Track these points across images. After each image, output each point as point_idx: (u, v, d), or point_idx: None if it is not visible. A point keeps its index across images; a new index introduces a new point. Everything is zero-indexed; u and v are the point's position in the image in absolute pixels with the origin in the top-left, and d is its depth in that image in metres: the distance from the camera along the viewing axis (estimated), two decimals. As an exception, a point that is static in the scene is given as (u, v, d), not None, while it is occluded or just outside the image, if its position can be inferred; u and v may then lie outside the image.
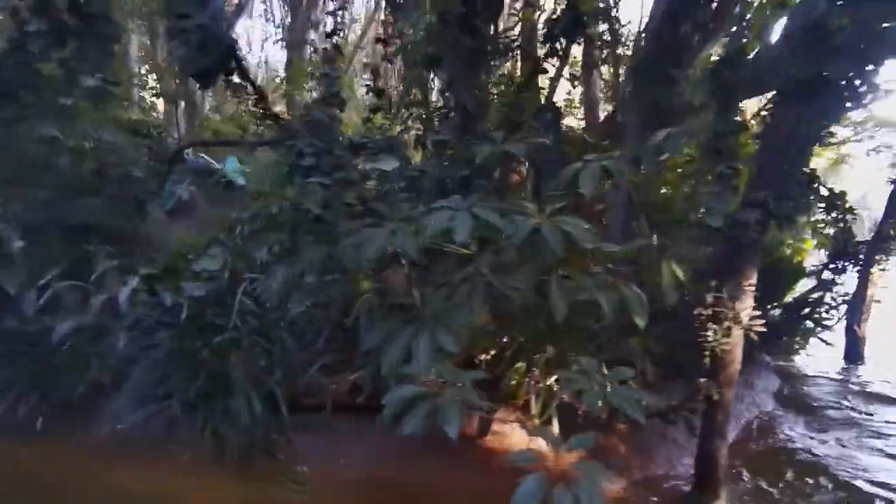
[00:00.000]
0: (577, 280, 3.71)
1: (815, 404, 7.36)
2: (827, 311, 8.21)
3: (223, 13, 3.61)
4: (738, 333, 4.36)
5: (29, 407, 5.41)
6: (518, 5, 10.13)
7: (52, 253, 5.71)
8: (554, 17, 6.63)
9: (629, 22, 8.67)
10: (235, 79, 4.09)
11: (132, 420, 5.10)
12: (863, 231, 11.17)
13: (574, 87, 10.16)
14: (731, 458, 4.88)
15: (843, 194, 7.66)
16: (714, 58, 8.40)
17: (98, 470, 4.96)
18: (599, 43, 8.19)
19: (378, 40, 6.60)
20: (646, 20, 8.34)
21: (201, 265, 5.59)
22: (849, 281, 8.73)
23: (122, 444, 5.11)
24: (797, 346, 9.09)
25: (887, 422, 6.76)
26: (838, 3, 3.89)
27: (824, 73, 3.99)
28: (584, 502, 2.46)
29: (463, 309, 3.90)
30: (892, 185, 8.75)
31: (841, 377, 8.73)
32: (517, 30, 10.02)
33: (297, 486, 4.74)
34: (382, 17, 18.70)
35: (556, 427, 3.81)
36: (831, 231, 8.59)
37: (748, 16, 5.17)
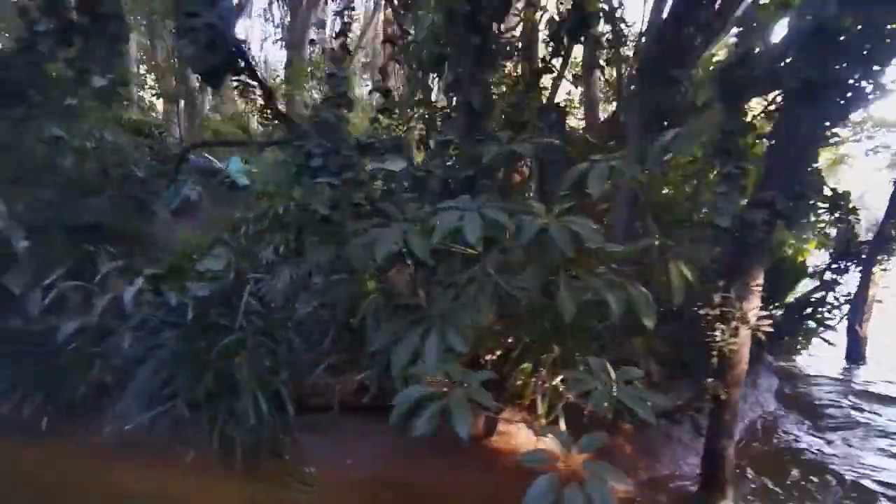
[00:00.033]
0: (585, 280, 3.71)
1: (818, 404, 7.37)
2: (829, 311, 8.22)
3: (233, 12, 3.60)
4: (745, 333, 4.38)
5: (34, 407, 5.40)
6: (519, 5, 10.11)
7: (57, 253, 5.70)
8: (559, 17, 6.62)
9: (633, 23, 8.66)
10: (243, 78, 4.08)
11: (138, 421, 5.08)
12: (861, 231, 11.20)
13: (577, 87, 10.15)
14: (736, 458, 4.89)
15: (846, 194, 7.67)
16: (717, 57, 8.47)
17: (103, 470, 4.95)
18: (603, 43, 8.18)
19: (386, 40, 6.57)
20: (647, 20, 8.37)
21: (205, 265, 5.59)
22: (850, 281, 8.75)
23: (128, 445, 5.09)
24: (799, 347, 9.10)
25: (891, 421, 6.77)
26: (845, 4, 3.90)
27: (831, 74, 4.00)
28: (596, 503, 2.47)
29: (470, 309, 3.90)
30: (894, 185, 8.78)
31: (843, 377, 8.75)
32: (518, 30, 10.04)
33: (304, 487, 4.73)
34: (384, 17, 18.78)
35: (562, 427, 3.82)
36: (832, 231, 8.63)
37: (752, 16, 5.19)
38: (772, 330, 4.55)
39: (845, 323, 9.16)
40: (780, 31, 5.09)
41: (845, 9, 3.89)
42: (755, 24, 4.79)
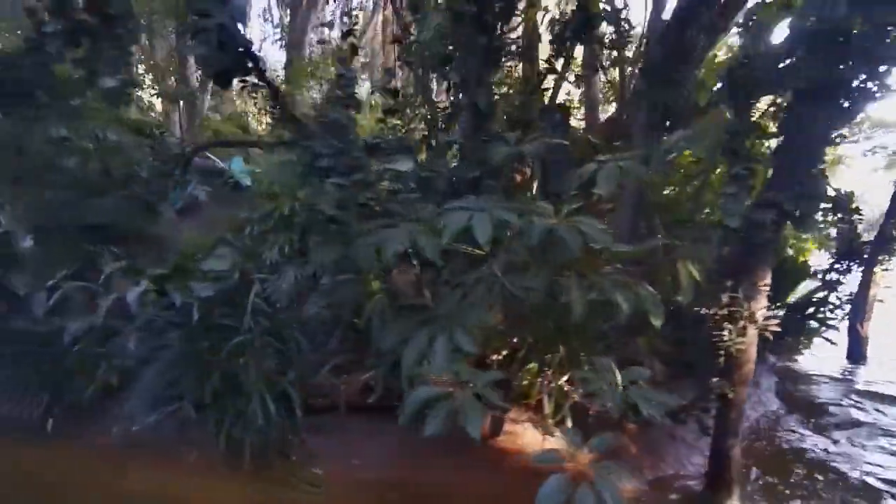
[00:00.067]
0: (593, 280, 3.72)
1: (820, 403, 7.39)
2: (831, 311, 8.25)
3: (244, 13, 3.59)
4: (752, 333, 4.39)
5: (40, 408, 5.39)
6: (521, 5, 10.11)
7: (62, 253, 5.68)
8: (564, 18, 6.63)
9: (637, 24, 8.67)
10: (251, 79, 4.08)
11: (145, 422, 5.07)
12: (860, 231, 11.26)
13: (579, 87, 10.16)
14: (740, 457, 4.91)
15: (850, 194, 7.70)
16: (720, 58, 8.49)
17: (109, 472, 4.94)
18: (606, 44, 8.20)
19: (394, 40, 6.57)
20: (648, 21, 8.38)
21: (209, 265, 5.58)
22: (851, 281, 8.79)
23: (134, 446, 5.09)
24: (801, 346, 9.13)
25: (895, 420, 6.80)
26: (852, 4, 3.91)
27: (837, 74, 4.02)
28: (607, 502, 2.48)
29: (478, 309, 3.90)
30: (895, 186, 8.81)
31: (844, 377, 8.77)
32: (519, 30, 10.04)
33: (311, 488, 4.73)
34: (384, 17, 18.78)
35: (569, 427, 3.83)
36: (833, 231, 8.67)
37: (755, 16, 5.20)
38: (779, 330, 4.56)
39: (846, 322, 9.20)
40: (780, 31, 5.10)
41: (852, 9, 3.91)
42: (759, 25, 4.82)
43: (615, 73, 9.88)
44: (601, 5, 7.35)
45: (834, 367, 9.15)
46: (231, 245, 5.84)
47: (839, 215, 7.89)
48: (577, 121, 11.62)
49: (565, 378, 5.43)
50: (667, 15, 7.80)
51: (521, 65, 9.95)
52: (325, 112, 4.42)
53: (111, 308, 5.47)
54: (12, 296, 5.54)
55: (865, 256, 8.51)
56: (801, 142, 4.15)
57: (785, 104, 4.48)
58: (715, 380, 4.54)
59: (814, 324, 8.33)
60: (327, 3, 15.49)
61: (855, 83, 4.13)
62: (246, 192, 8.67)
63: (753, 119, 4.62)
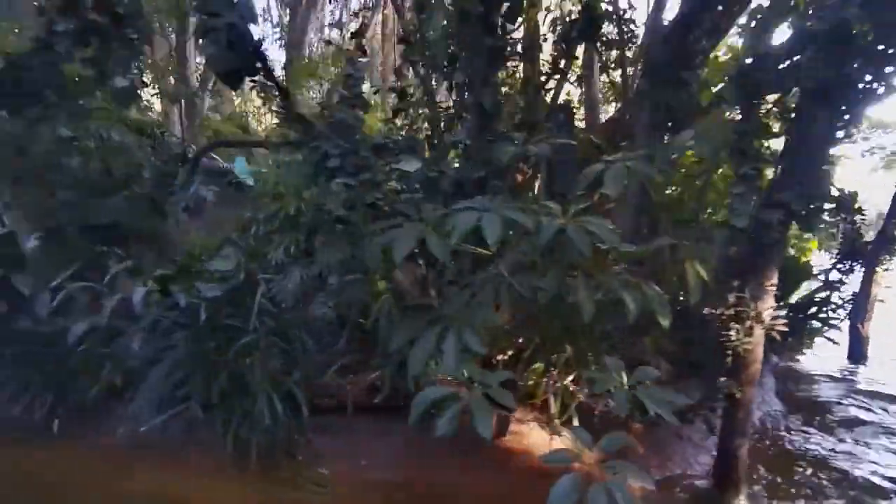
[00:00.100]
0: (600, 280, 3.72)
1: (823, 403, 7.41)
2: (833, 311, 8.27)
3: (253, 12, 3.59)
4: (759, 333, 4.40)
5: (45, 409, 5.37)
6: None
7: (66, 254, 5.66)
8: (568, 17, 6.63)
9: (642, 24, 8.67)
10: (259, 79, 4.07)
11: (152, 422, 5.06)
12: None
13: (581, 87, 10.17)
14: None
15: (854, 194, 7.72)
16: (723, 58, 8.50)
17: (115, 473, 4.92)
18: (609, 44, 8.21)
19: (401, 40, 6.56)
20: (649, 21, 8.39)
21: (214, 266, 5.58)
22: (852, 280, 8.81)
23: (140, 447, 5.08)
24: (803, 346, 9.15)
25: (897, 419, 6.83)
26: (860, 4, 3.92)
27: (844, 75, 4.03)
28: (619, 502, 2.48)
29: (484, 309, 3.90)
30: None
31: (846, 376, 8.81)
32: (521, 30, 10.04)
33: (318, 489, 4.72)
34: (384, 17, 18.77)
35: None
36: (834, 231, 8.68)
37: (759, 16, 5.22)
38: (786, 330, 4.57)
39: (847, 322, 9.22)
40: (781, 31, 5.11)
41: (860, 9, 3.92)
42: (763, 25, 4.83)
43: (615, 74, 9.90)
44: (602, 6, 7.38)
45: (834, 367, 9.19)
46: (236, 245, 5.84)
47: (842, 215, 7.90)
48: (577, 121, 11.64)
49: (571, 378, 5.45)
50: (667, 14, 7.84)
51: (521, 65, 9.98)
52: (332, 111, 4.41)
53: (115, 308, 5.47)
54: (16, 296, 5.52)
55: (866, 256, 8.53)
56: (808, 142, 4.16)
57: (792, 104, 4.47)
58: (722, 379, 4.55)
59: (816, 324, 8.33)
60: (328, 2, 15.45)
61: (861, 84, 4.15)
62: (249, 193, 8.65)
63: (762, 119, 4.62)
